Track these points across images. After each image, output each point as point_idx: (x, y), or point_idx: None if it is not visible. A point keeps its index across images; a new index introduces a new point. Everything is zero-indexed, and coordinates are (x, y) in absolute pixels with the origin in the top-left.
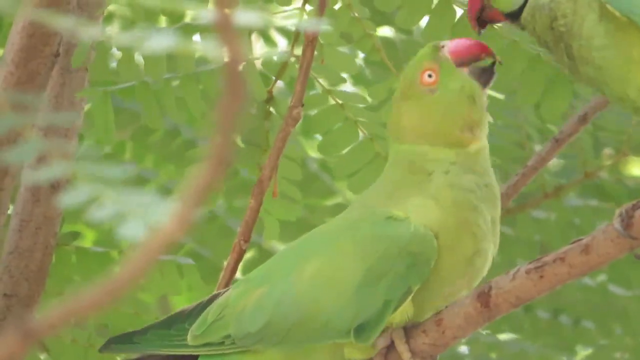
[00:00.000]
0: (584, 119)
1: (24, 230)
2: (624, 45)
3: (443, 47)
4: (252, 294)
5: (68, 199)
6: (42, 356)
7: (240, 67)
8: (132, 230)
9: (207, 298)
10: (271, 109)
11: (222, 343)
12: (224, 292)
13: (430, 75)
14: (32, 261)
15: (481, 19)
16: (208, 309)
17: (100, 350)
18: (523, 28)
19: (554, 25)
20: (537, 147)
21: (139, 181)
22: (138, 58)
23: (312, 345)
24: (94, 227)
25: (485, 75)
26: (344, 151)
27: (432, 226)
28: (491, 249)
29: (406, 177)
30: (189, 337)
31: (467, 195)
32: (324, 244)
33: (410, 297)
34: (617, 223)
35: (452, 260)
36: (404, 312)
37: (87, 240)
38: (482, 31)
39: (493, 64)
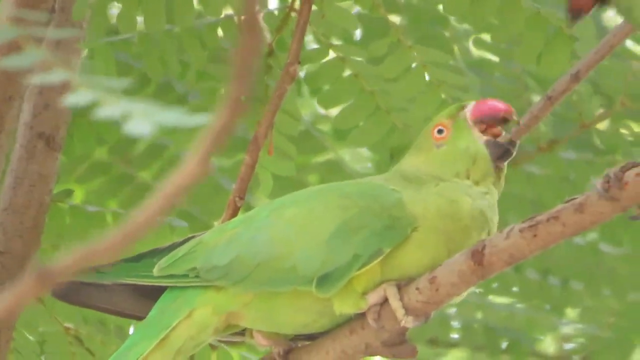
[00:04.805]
0: (576, 77)
1: (19, 188)
2: None
3: (466, 106)
4: (226, 233)
5: (73, 100)
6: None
7: (258, 13)
8: (139, 127)
9: (182, 239)
10: (272, 63)
11: (186, 275)
12: (199, 234)
13: (440, 131)
14: (26, 218)
15: (571, 12)
16: (180, 247)
17: None
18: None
19: None
20: (536, 98)
21: (129, 138)
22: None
23: (299, 297)
24: (83, 186)
25: (499, 150)
26: (345, 104)
27: (421, 211)
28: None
29: (401, 181)
30: (155, 269)
31: (455, 207)
32: (307, 197)
33: (378, 260)
34: (599, 185)
35: (420, 255)
36: (370, 275)
37: (76, 199)
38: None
39: (513, 142)
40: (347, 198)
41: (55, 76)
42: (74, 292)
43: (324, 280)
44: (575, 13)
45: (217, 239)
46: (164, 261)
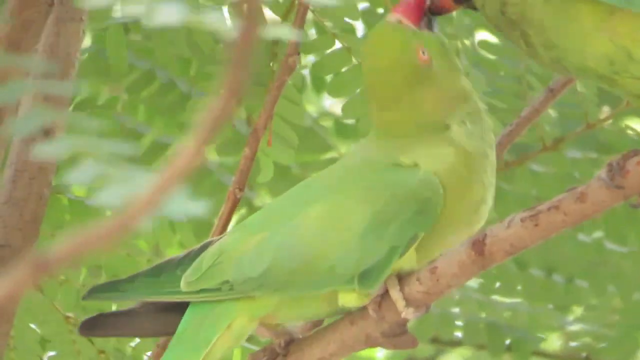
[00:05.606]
0: None
1: (18, 181)
2: (574, 17)
3: (400, 20)
4: (251, 239)
5: (76, 177)
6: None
7: (257, 2)
8: (108, 199)
9: (198, 246)
10: (277, 51)
11: (219, 289)
12: (217, 240)
13: (423, 52)
14: (26, 211)
15: (431, 10)
16: (202, 255)
17: (83, 298)
18: (476, 9)
19: (504, 11)
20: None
21: (132, 135)
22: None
23: (309, 292)
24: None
25: (430, 24)
26: (352, 95)
27: (442, 174)
28: (492, 196)
29: (420, 132)
30: (182, 284)
31: (480, 142)
32: (326, 191)
33: (416, 244)
34: (603, 173)
35: (460, 208)
36: (407, 260)
37: (75, 192)
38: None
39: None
40: (369, 190)
41: (55, 148)
42: (99, 326)
43: (366, 276)
44: (436, 11)
45: (242, 247)
46: (190, 274)
